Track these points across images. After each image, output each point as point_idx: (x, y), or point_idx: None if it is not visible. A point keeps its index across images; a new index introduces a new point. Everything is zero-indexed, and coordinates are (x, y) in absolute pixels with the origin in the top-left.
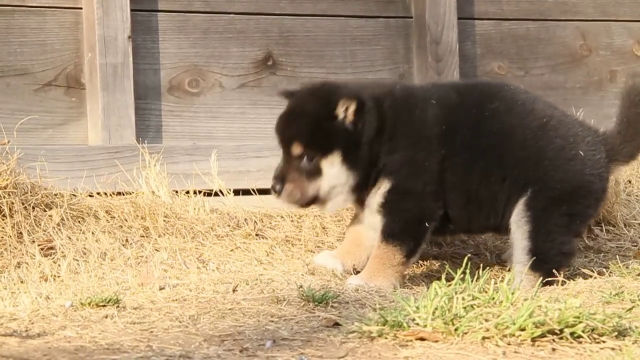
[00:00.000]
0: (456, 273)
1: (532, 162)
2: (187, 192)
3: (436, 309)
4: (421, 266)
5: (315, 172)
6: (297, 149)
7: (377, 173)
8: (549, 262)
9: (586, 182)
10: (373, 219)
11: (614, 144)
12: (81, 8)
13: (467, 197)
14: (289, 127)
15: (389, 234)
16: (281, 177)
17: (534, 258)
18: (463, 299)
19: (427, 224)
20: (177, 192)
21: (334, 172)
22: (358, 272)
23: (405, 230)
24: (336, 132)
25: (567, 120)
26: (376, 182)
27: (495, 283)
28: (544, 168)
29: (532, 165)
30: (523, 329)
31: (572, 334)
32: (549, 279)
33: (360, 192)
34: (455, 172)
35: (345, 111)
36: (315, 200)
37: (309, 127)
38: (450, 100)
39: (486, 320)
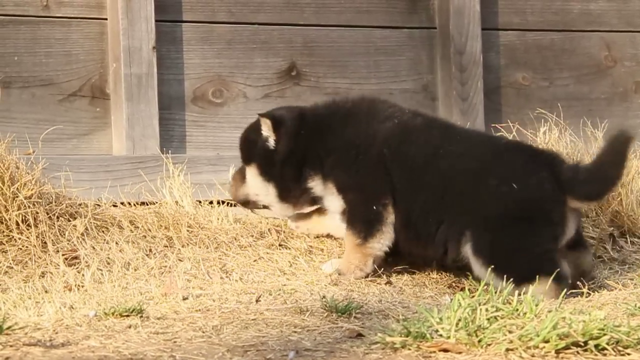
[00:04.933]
0: (479, 284)
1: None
2: (210, 202)
3: (459, 320)
4: (444, 277)
5: (243, 178)
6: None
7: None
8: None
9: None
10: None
11: (575, 178)
12: (106, 19)
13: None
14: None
15: (347, 222)
16: (233, 176)
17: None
18: (487, 310)
19: (374, 207)
20: (200, 202)
21: (253, 181)
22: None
23: (357, 216)
24: (257, 147)
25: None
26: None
27: (519, 294)
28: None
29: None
30: (547, 341)
31: (596, 346)
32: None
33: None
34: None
35: (267, 129)
36: (249, 201)
37: (242, 139)
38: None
39: (510, 332)
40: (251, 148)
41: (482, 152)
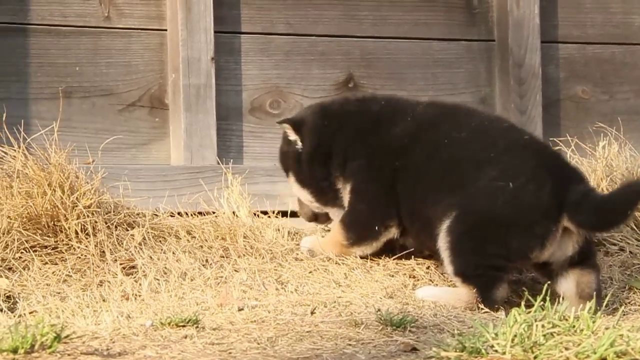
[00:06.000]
0: (536, 300)
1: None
2: (266, 213)
3: (515, 336)
4: None
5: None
6: None
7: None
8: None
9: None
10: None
11: (579, 202)
12: (166, 30)
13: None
14: None
15: (343, 220)
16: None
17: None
18: (543, 326)
19: (376, 227)
20: (255, 213)
21: (295, 191)
22: None
23: (354, 224)
24: (289, 155)
25: (514, 153)
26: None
27: (576, 311)
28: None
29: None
30: (604, 359)
31: None
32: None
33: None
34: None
35: (291, 133)
36: (314, 215)
37: (279, 154)
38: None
39: (566, 349)
40: (286, 159)
41: (495, 143)
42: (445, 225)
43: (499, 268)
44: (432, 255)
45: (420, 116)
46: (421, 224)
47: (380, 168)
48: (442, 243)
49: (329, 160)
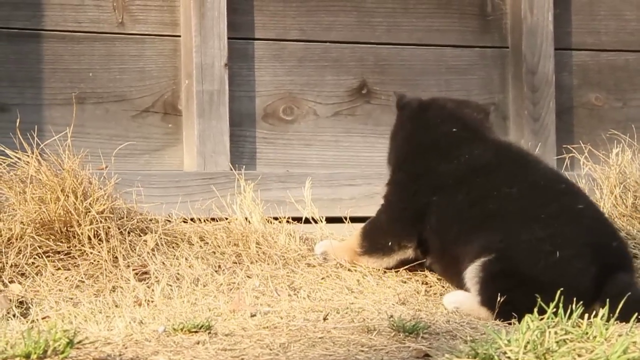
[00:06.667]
0: (548, 307)
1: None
2: (279, 219)
3: (528, 342)
4: None
5: None
6: None
7: None
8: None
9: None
10: None
11: (618, 297)
12: (179, 36)
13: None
14: None
15: (365, 226)
16: None
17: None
18: (556, 333)
19: (389, 242)
20: (268, 219)
21: None
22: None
23: (370, 231)
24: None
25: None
26: None
27: (589, 318)
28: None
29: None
30: None
31: None
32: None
33: None
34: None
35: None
36: None
37: None
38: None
39: (579, 356)
40: None
41: (547, 200)
42: (478, 263)
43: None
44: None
45: (474, 159)
46: (452, 260)
47: (416, 192)
48: (471, 276)
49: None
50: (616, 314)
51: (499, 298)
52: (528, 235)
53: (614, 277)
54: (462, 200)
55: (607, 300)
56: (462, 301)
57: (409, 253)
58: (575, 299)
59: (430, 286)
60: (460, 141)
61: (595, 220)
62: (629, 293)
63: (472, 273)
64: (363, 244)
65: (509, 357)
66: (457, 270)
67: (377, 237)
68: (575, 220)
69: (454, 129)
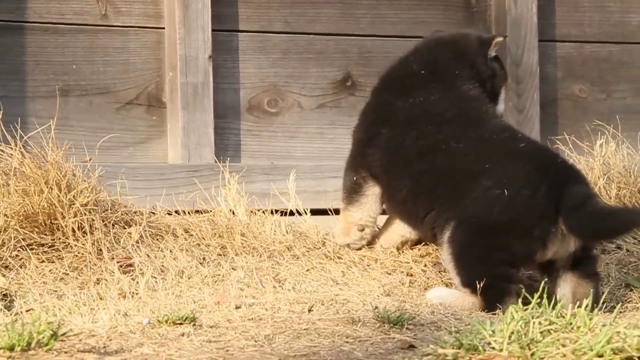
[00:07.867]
0: (533, 297)
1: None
2: (264, 212)
3: (512, 333)
4: None
5: None
6: None
7: None
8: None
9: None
10: None
11: (576, 207)
12: (163, 28)
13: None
14: None
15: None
16: None
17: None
18: (540, 323)
19: (355, 177)
20: (252, 211)
21: None
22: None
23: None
24: None
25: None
26: None
27: (573, 308)
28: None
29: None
30: (601, 356)
31: None
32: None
33: None
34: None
35: None
36: None
37: None
38: None
39: (563, 346)
40: None
41: (491, 151)
42: (446, 236)
43: (507, 278)
44: (430, 254)
45: (429, 103)
46: (406, 211)
47: (372, 122)
48: (446, 255)
49: None
50: (575, 229)
51: (476, 272)
52: (478, 191)
53: (570, 189)
54: (411, 145)
55: (576, 215)
56: (445, 296)
57: (377, 190)
58: (538, 217)
59: (415, 277)
60: (423, 83)
61: (538, 151)
62: (587, 205)
63: (445, 253)
64: (343, 196)
65: (493, 348)
66: (414, 222)
67: (347, 181)
68: (517, 157)
69: (422, 71)
